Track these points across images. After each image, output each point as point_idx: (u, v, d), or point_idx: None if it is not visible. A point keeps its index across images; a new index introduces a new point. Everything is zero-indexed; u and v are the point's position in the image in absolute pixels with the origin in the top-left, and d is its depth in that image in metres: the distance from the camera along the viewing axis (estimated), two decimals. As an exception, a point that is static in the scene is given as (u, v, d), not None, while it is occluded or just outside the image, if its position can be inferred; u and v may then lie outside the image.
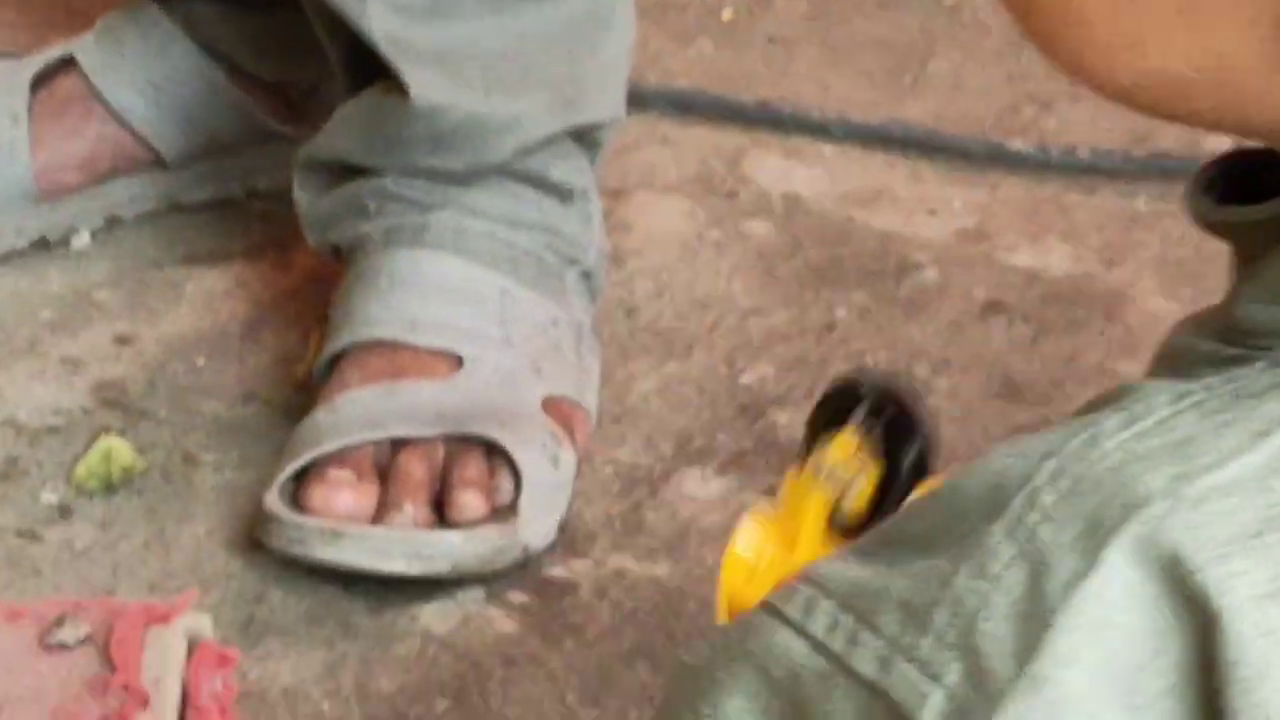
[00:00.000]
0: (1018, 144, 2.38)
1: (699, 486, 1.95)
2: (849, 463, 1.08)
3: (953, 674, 0.73)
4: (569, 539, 1.94)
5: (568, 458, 1.90)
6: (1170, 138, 2.57)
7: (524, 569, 1.88)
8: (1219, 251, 1.16)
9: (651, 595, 1.92)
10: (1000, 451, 0.79)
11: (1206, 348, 0.82)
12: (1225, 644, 0.72)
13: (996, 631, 0.73)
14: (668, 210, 2.24)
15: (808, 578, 0.81)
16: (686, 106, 2.35)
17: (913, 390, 1.12)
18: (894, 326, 2.15)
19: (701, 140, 2.34)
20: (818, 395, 1.14)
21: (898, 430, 1.10)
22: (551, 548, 1.89)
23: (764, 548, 1.10)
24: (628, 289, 2.14)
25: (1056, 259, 2.26)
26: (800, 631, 0.78)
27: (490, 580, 1.88)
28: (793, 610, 0.79)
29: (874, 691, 0.76)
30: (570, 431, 1.91)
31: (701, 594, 1.95)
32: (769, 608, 0.81)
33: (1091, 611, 0.72)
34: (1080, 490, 0.75)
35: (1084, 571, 0.73)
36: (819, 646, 0.77)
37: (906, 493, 1.08)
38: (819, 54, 2.55)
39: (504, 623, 1.86)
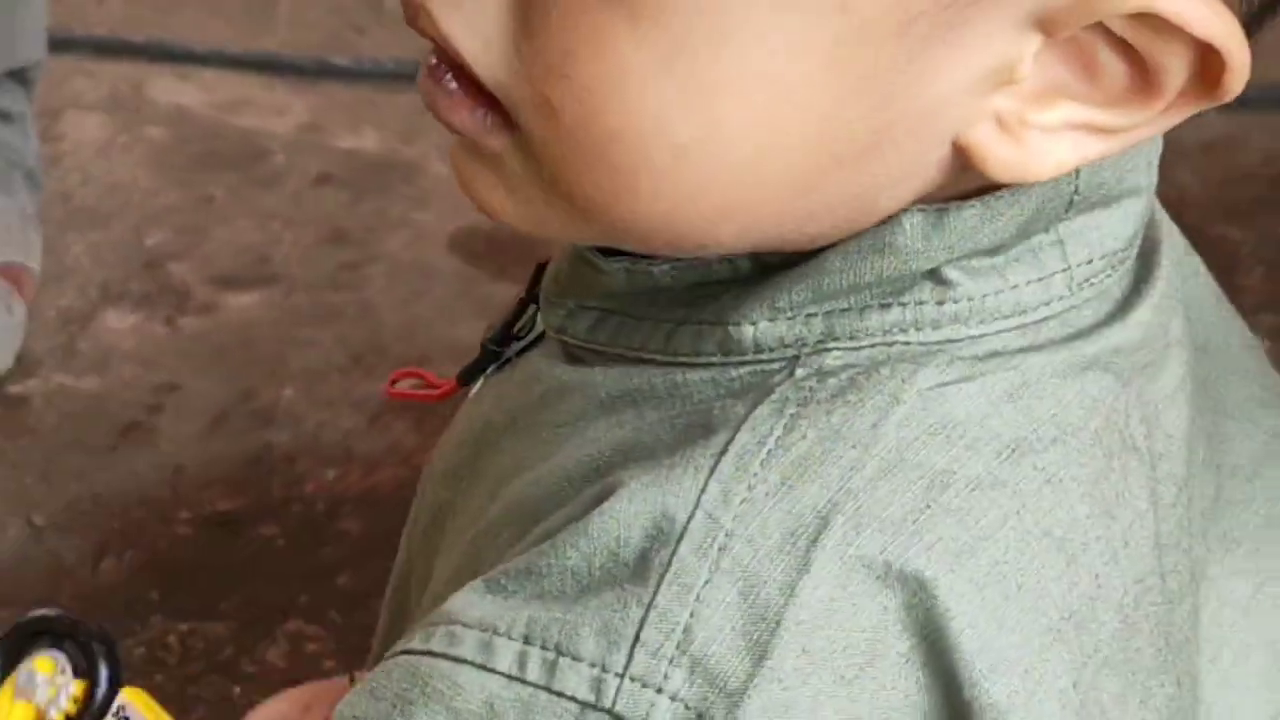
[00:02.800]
0: (341, 60, 2.68)
1: (117, 321, 2.23)
2: (53, 679, 0.98)
3: (675, 681, 0.72)
4: (23, 366, 2.17)
5: (19, 306, 2.18)
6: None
7: None
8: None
9: (84, 401, 2.18)
10: (625, 503, 0.74)
11: (698, 376, 0.80)
12: (936, 604, 0.73)
13: (719, 637, 0.72)
14: (90, 124, 2.52)
15: (454, 620, 0.75)
16: (103, 48, 2.59)
17: (92, 627, 1.00)
18: (255, 197, 2.45)
19: (114, 72, 2.58)
20: (6, 630, 1.03)
21: (90, 651, 0.99)
22: (10, 373, 2.15)
23: None
24: (62, 182, 2.41)
25: (369, 141, 2.55)
26: (484, 669, 0.74)
27: None
28: (465, 652, 0.74)
29: (591, 709, 0.73)
30: (20, 287, 2.18)
31: (121, 398, 2.20)
32: (431, 654, 0.75)
33: (814, 605, 0.72)
34: (759, 510, 0.74)
35: (796, 576, 0.72)
36: (513, 679, 0.73)
37: (111, 699, 0.99)
38: (202, 3, 2.75)
39: None
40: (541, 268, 0.89)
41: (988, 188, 0.75)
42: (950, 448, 0.75)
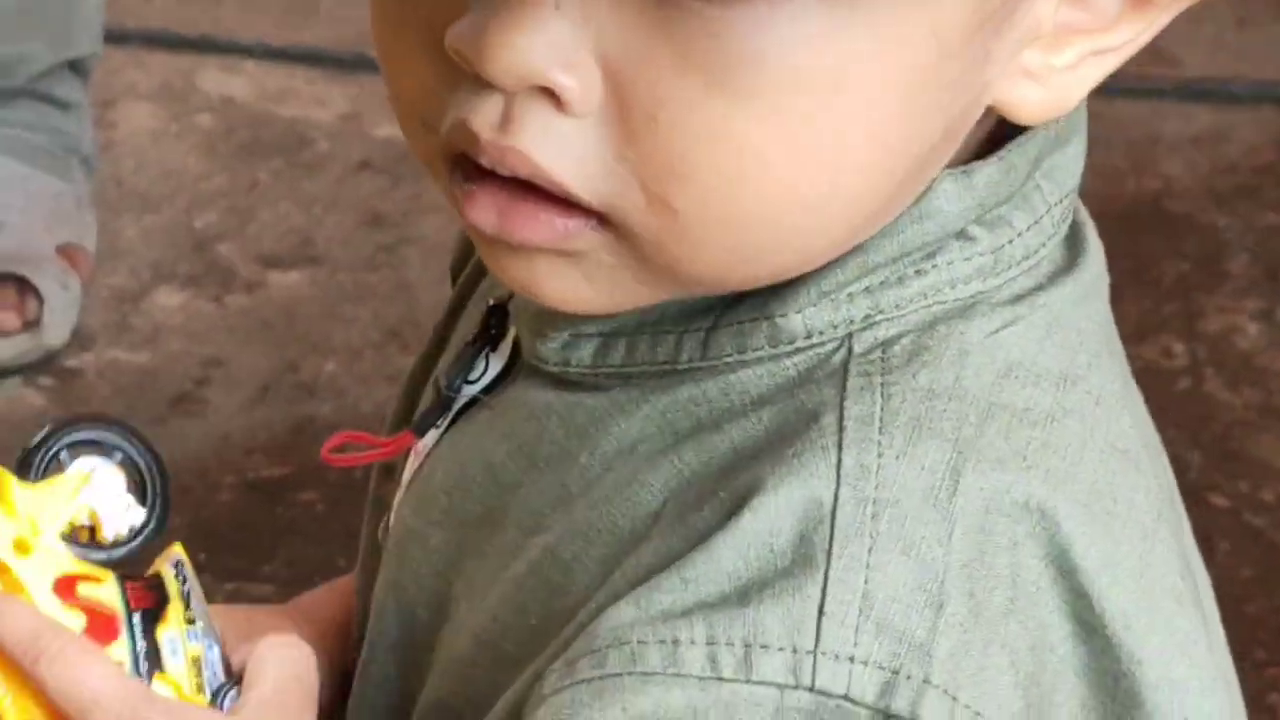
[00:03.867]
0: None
1: (167, 298, 2.25)
2: (114, 500, 0.89)
3: (865, 646, 0.72)
4: (79, 340, 2.19)
5: (75, 284, 2.18)
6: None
7: (49, 362, 2.16)
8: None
9: (136, 374, 2.19)
10: (767, 498, 0.74)
11: (750, 372, 0.79)
12: (1060, 529, 0.75)
13: (897, 595, 0.73)
14: (142, 113, 2.52)
15: (623, 640, 0.74)
16: (154, 40, 2.59)
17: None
18: (298, 182, 2.44)
19: (165, 64, 2.58)
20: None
21: (138, 479, 0.90)
22: (66, 347, 2.16)
23: (18, 549, 0.87)
24: (116, 167, 2.42)
25: None
26: (678, 676, 0.73)
27: (25, 371, 2.15)
28: (652, 665, 0.74)
29: (792, 691, 0.73)
30: (76, 266, 2.20)
31: (171, 371, 2.20)
32: (612, 675, 0.74)
33: (969, 550, 0.74)
34: (895, 474, 0.75)
35: (949, 527, 0.74)
36: (708, 680, 0.73)
37: (155, 536, 0.89)
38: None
39: (36, 399, 2.13)
40: (493, 310, 0.88)
41: (994, 136, 0.78)
42: (1023, 387, 0.77)
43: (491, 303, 0.88)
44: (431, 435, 0.88)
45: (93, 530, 0.88)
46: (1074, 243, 0.82)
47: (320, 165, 2.46)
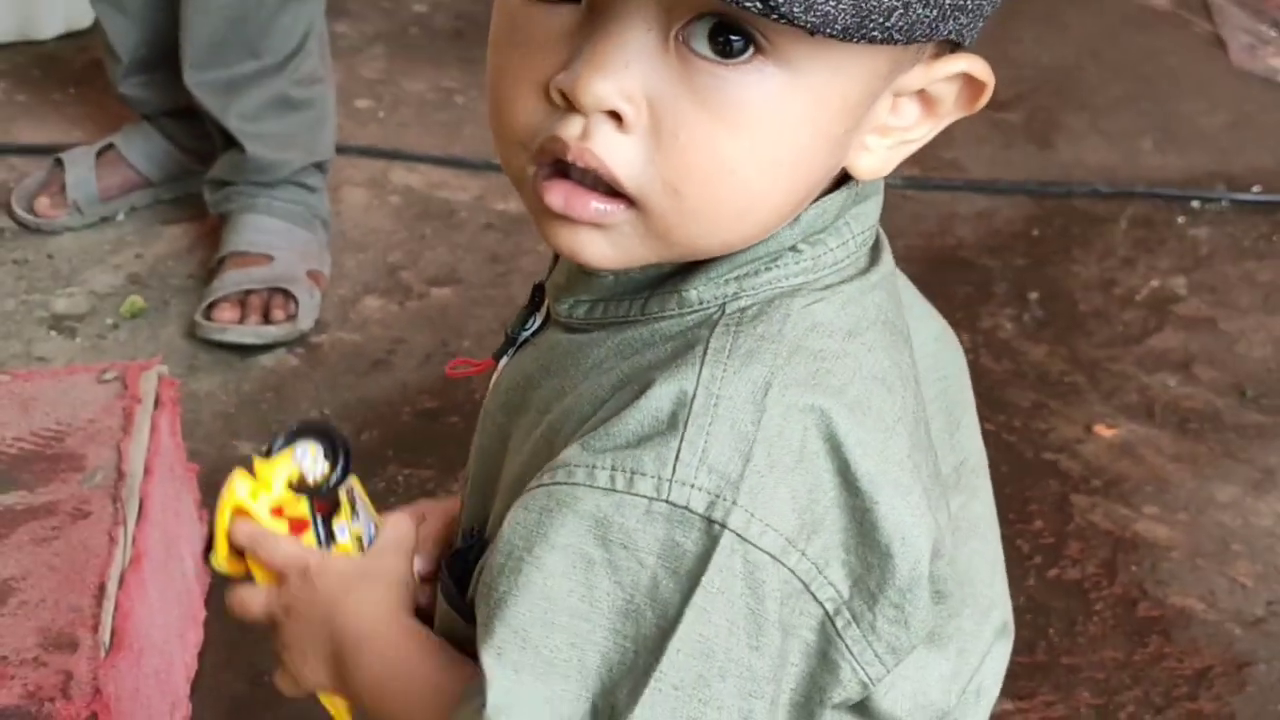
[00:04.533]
0: (497, 159, 2.56)
1: (371, 303, 2.30)
2: (315, 457, 0.91)
3: (700, 478, 0.72)
4: (319, 326, 2.21)
5: (317, 294, 2.22)
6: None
7: (301, 339, 2.19)
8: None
9: (352, 347, 2.21)
10: (657, 389, 0.74)
11: (665, 324, 0.78)
12: (833, 422, 0.75)
13: (722, 452, 0.72)
14: (356, 195, 2.54)
15: (569, 463, 0.74)
16: (364, 151, 2.60)
17: (341, 433, 0.92)
18: (448, 236, 2.40)
19: (369, 166, 2.60)
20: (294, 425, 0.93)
21: (337, 447, 0.91)
22: (313, 330, 2.20)
23: (252, 496, 0.90)
24: (341, 225, 2.42)
25: (513, 205, 2.47)
26: (591, 487, 0.73)
27: (288, 345, 2.19)
28: (579, 479, 0.73)
29: (655, 501, 0.73)
30: (318, 283, 2.24)
31: (373, 345, 2.18)
32: (557, 484, 0.73)
33: (770, 429, 0.74)
34: (732, 382, 0.74)
35: (759, 415, 0.73)
36: (609, 490, 0.73)
37: (344, 478, 0.92)
38: (420, 125, 2.64)
39: (294, 361, 2.19)
40: (537, 288, 0.86)
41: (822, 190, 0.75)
42: (820, 338, 0.76)
43: (536, 283, 0.86)
44: (505, 361, 0.87)
45: (303, 479, 0.91)
46: (874, 257, 0.81)
47: (461, 226, 2.47)
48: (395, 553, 0.88)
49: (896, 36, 0.67)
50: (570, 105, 0.71)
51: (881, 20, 0.66)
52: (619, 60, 0.70)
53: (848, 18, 0.65)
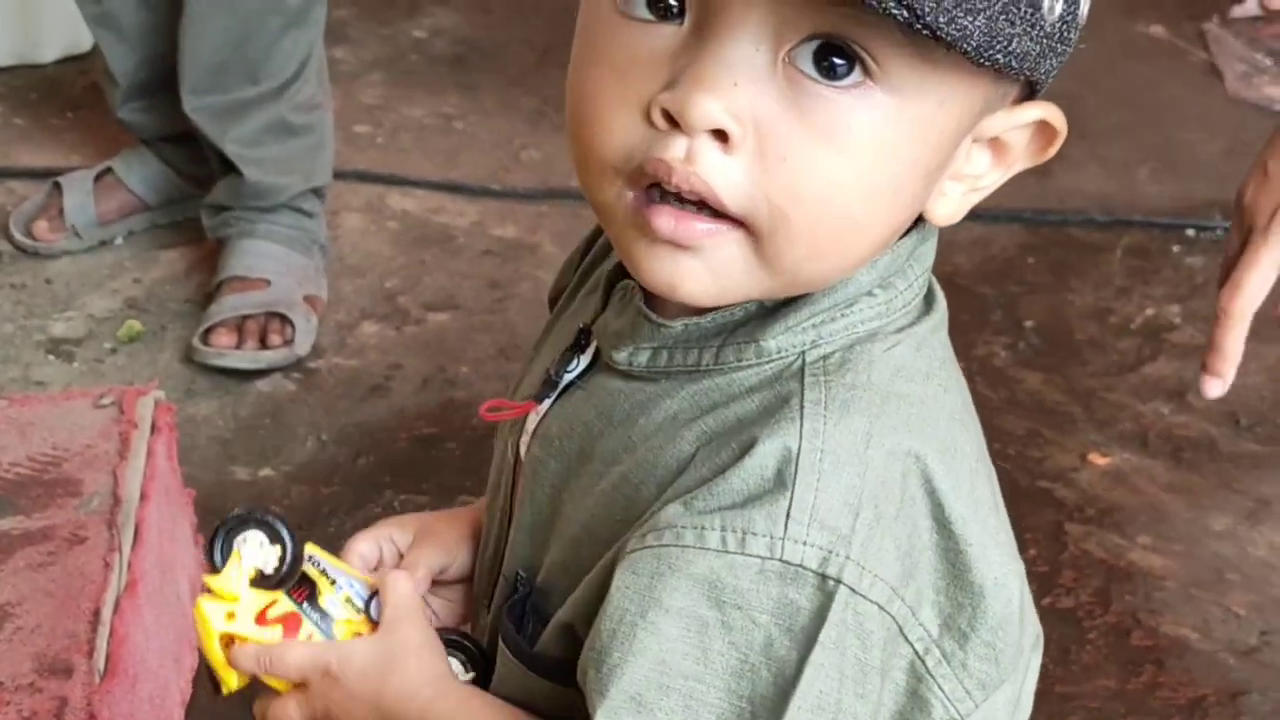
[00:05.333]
0: (495, 185, 2.60)
1: (369, 328, 2.31)
2: (262, 547, 0.87)
3: (813, 535, 0.72)
4: (315, 351, 2.24)
5: (314, 319, 2.24)
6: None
7: (298, 364, 2.20)
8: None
9: (350, 372, 2.21)
10: (761, 447, 0.74)
11: (743, 374, 0.78)
12: (927, 466, 0.76)
13: (832, 507, 0.73)
14: (354, 219, 2.57)
15: (675, 524, 0.74)
16: (362, 176, 2.61)
17: (274, 512, 0.89)
18: (446, 261, 2.41)
19: (367, 191, 2.62)
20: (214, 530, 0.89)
21: (276, 528, 0.88)
22: (310, 355, 2.22)
23: (229, 619, 0.87)
24: (339, 250, 2.45)
25: (510, 231, 2.51)
26: (702, 549, 0.73)
27: (285, 369, 2.21)
28: (689, 541, 0.74)
29: (769, 560, 0.73)
30: (315, 308, 2.25)
31: (370, 371, 2.19)
32: (664, 546, 0.74)
33: (875, 479, 0.75)
34: (833, 435, 0.75)
35: (865, 467, 0.75)
36: (721, 552, 0.73)
37: (300, 552, 0.89)
38: (419, 149, 2.65)
39: (290, 385, 2.21)
40: (582, 331, 0.85)
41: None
42: (905, 382, 0.76)
43: (582, 326, 0.85)
44: (546, 403, 0.86)
45: (262, 573, 0.88)
46: (929, 297, 0.81)
47: (459, 251, 2.48)
48: (408, 621, 0.85)
49: (1014, 64, 0.68)
50: (673, 125, 0.70)
51: (1005, 45, 0.67)
52: (727, 80, 0.70)
53: (980, 35, 0.66)
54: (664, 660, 0.72)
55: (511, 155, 2.74)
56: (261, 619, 0.87)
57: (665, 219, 0.72)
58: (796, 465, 0.73)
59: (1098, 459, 2.11)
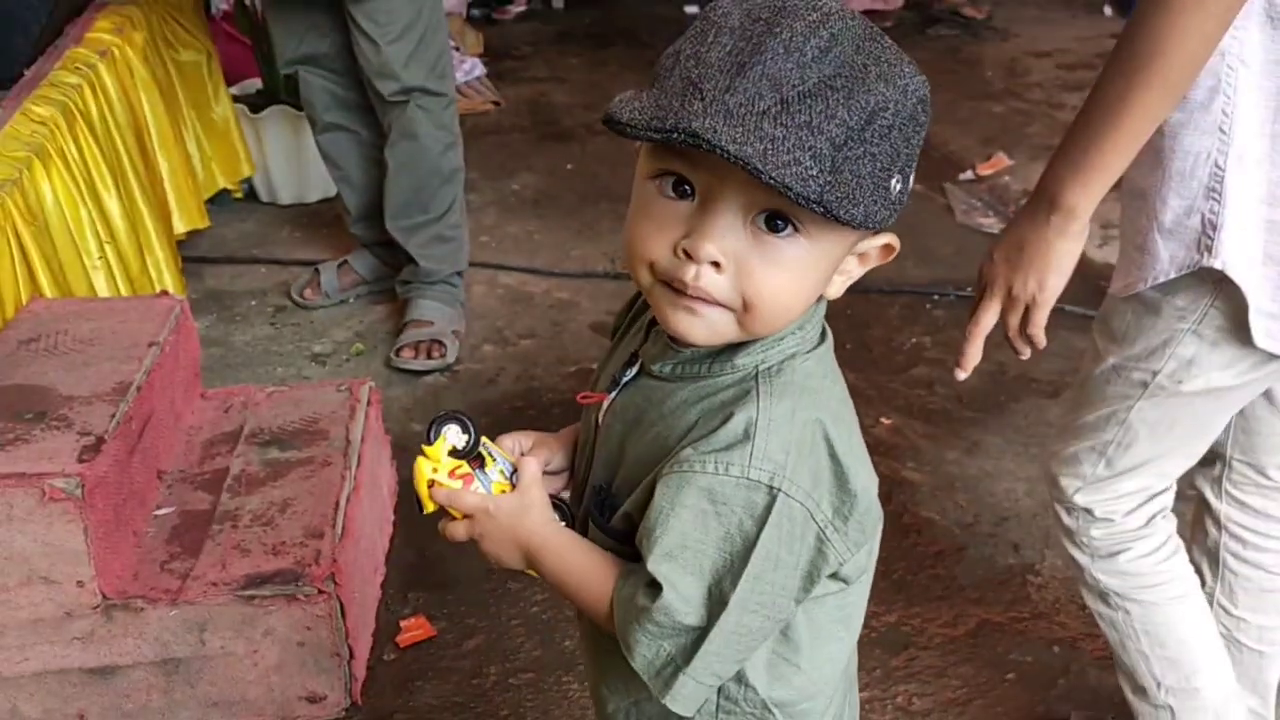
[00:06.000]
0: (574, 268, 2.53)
1: (487, 349, 2.29)
2: (457, 433, 0.79)
3: (764, 468, 0.70)
4: (458, 362, 2.26)
5: (457, 343, 2.35)
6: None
7: (447, 369, 2.26)
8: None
9: (475, 377, 2.23)
10: (735, 418, 0.71)
11: (725, 379, 0.75)
12: (828, 428, 0.73)
13: (774, 452, 0.70)
14: (479, 288, 2.55)
15: (690, 460, 0.72)
16: (483, 265, 2.60)
17: (461, 414, 0.84)
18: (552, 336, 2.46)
19: (508, 277, 2.52)
20: (434, 416, 0.84)
21: (466, 423, 0.81)
22: (455, 363, 2.28)
23: (434, 471, 0.80)
24: (471, 305, 2.44)
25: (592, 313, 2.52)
26: (706, 473, 0.71)
27: (440, 372, 2.27)
28: (705, 468, 0.71)
29: (743, 480, 0.71)
30: (458, 337, 2.37)
31: (492, 372, 2.11)
32: (681, 472, 0.72)
33: (798, 434, 0.71)
34: (777, 413, 0.72)
35: (792, 428, 0.71)
36: (716, 475, 0.71)
37: (478, 441, 0.82)
38: (589, 246, 2.56)
39: (444, 380, 2.14)
40: (634, 354, 0.84)
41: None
42: (814, 380, 0.79)
43: (634, 351, 0.86)
44: (613, 394, 0.85)
45: (455, 449, 0.86)
46: (823, 334, 0.83)
47: (536, 306, 2.46)
48: (535, 487, 0.88)
49: (874, 223, 0.76)
50: (689, 257, 0.76)
51: (872, 216, 0.75)
52: (719, 234, 0.76)
53: (861, 213, 0.74)
54: (683, 533, 0.79)
55: (565, 254, 2.82)
56: (451, 475, 0.86)
57: (683, 304, 0.76)
58: (755, 427, 0.76)
59: (885, 421, 2.25)
